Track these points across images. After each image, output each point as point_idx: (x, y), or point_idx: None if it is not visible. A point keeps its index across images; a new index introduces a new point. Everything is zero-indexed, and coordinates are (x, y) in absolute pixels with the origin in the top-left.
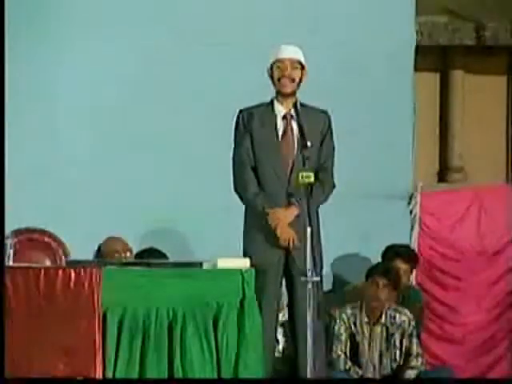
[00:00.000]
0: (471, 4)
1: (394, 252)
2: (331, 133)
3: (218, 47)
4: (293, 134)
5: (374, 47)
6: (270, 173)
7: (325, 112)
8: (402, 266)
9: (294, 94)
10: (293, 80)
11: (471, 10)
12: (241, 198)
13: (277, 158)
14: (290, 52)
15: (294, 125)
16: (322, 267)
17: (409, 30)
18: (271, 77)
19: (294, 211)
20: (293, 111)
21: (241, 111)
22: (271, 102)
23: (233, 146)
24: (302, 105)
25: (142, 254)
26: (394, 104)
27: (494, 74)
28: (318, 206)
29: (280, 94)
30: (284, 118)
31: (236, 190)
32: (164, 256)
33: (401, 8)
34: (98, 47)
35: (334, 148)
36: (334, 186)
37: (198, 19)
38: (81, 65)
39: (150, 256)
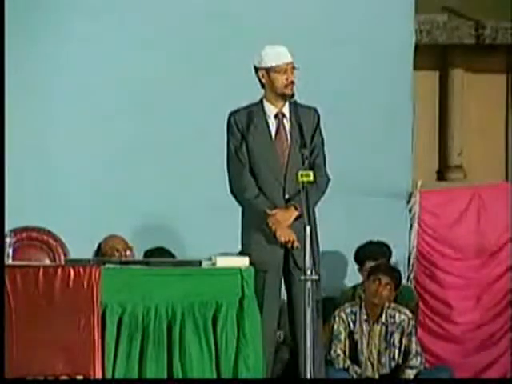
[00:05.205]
0: (470, 2)
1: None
2: (320, 128)
3: (211, 50)
4: (286, 132)
5: (374, 46)
6: (265, 173)
7: (314, 109)
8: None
9: None
10: (294, 83)
11: (470, 9)
12: (238, 200)
13: (272, 158)
14: (287, 56)
15: (287, 123)
16: (319, 266)
17: (408, 29)
18: (261, 78)
19: (293, 213)
20: (285, 110)
21: (231, 114)
22: (261, 102)
23: (226, 149)
24: (291, 103)
25: (151, 253)
26: (393, 102)
27: (494, 72)
28: (315, 204)
29: (278, 95)
30: (276, 117)
31: (233, 192)
32: (173, 256)
33: (400, 7)
34: (97, 47)
35: (323, 143)
36: (328, 180)
37: (191, 21)
38: (81, 65)
39: (159, 255)
